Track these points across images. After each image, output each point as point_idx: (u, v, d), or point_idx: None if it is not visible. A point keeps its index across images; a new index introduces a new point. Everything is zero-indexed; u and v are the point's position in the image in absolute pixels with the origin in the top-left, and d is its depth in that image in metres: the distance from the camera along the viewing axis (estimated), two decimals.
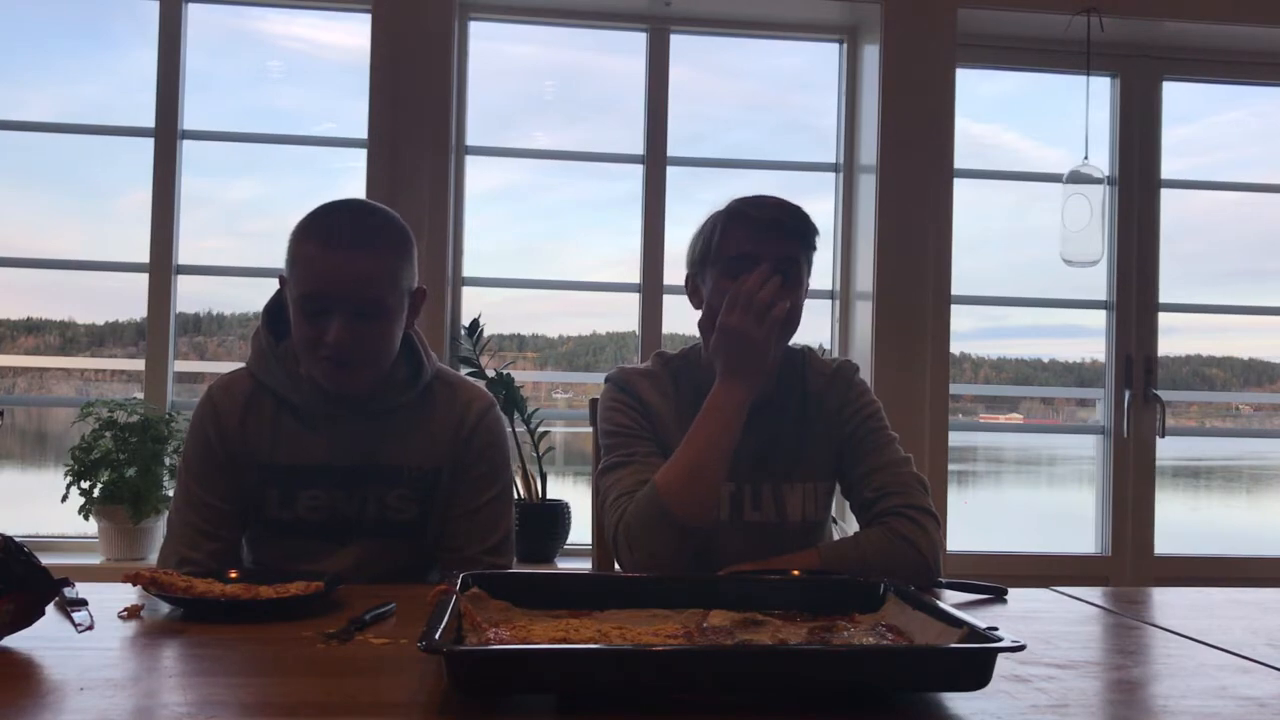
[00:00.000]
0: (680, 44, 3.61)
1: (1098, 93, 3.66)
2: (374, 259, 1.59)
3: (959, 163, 3.50)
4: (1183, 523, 3.90)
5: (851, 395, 1.81)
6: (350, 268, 1.56)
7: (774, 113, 3.93)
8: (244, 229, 3.72)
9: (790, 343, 1.81)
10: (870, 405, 1.81)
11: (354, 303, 1.57)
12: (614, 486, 1.70)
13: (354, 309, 1.57)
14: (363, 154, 3.32)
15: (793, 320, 1.71)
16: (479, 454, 1.73)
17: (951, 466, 3.48)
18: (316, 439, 1.69)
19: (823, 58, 3.74)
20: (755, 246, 1.68)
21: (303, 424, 1.69)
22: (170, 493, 3.21)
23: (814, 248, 1.75)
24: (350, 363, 1.60)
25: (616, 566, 1.70)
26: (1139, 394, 3.67)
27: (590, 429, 1.97)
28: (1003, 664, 1.07)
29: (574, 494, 3.40)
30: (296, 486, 1.68)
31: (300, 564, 1.62)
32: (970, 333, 3.86)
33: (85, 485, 3.10)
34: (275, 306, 1.74)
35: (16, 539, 1.15)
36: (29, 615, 1.13)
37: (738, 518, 1.75)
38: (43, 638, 1.14)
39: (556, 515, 3.29)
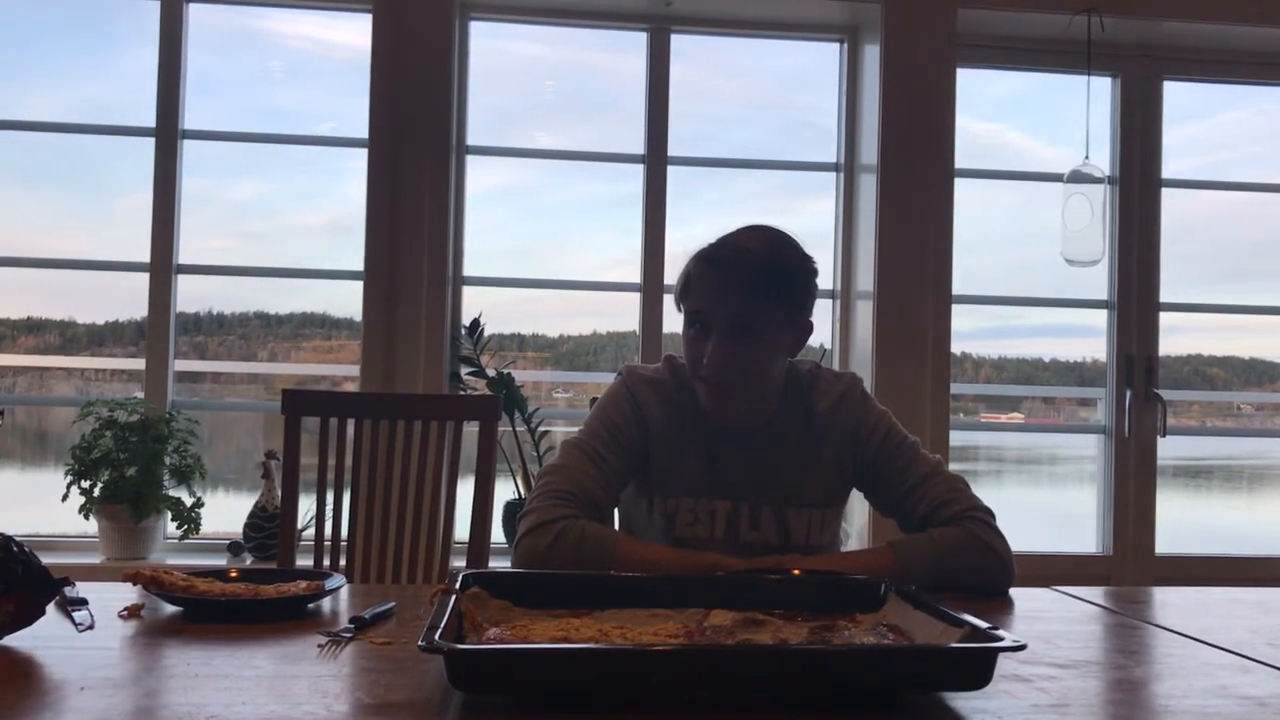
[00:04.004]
0: (681, 44, 3.61)
1: (1098, 93, 3.66)
2: None
3: (962, 162, 3.50)
4: (1183, 522, 3.89)
5: (862, 416, 1.76)
6: None
7: (775, 112, 3.93)
8: (245, 229, 3.72)
9: (796, 358, 1.77)
10: (884, 421, 1.77)
11: None
12: (558, 473, 1.64)
13: None
14: (363, 154, 3.32)
15: (746, 376, 1.65)
16: None
17: (952, 466, 3.41)
18: None
19: (823, 57, 3.74)
20: (703, 304, 1.66)
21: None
22: (169, 492, 3.21)
23: (784, 299, 1.65)
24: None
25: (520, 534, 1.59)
26: (1140, 393, 3.67)
27: None
28: (1004, 664, 1.07)
29: None
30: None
31: None
32: (971, 332, 3.86)
33: (85, 484, 3.11)
34: None
35: (17, 539, 1.15)
36: (29, 615, 1.13)
37: (734, 538, 1.71)
38: (43, 638, 1.14)
39: None
